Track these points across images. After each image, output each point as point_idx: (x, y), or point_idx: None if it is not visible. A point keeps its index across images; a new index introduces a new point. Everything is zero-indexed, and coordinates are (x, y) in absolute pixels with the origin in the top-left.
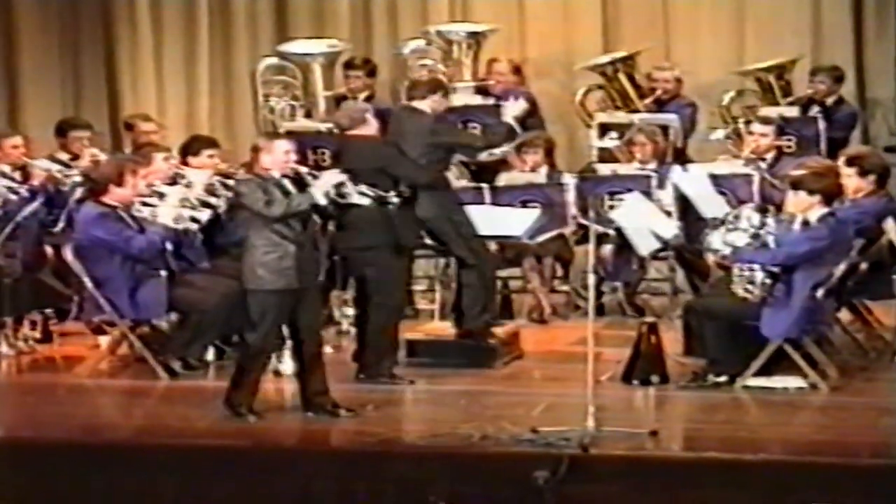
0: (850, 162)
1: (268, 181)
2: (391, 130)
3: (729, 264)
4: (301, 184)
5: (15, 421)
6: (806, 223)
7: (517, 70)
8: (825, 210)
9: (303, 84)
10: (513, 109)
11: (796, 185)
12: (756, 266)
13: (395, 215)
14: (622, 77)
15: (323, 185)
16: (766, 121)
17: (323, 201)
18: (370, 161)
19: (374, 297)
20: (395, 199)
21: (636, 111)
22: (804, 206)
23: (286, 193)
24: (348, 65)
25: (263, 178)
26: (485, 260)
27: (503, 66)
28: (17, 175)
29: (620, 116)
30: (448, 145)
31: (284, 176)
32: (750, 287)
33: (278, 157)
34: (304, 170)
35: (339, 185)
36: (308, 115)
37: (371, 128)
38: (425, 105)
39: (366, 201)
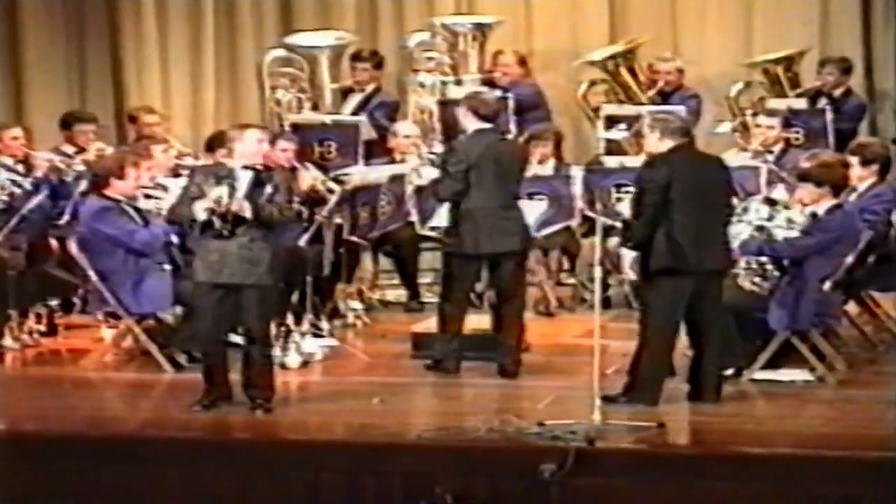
0: (853, 151)
1: (216, 176)
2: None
3: (736, 257)
4: (262, 180)
5: (19, 414)
6: (814, 215)
7: (522, 62)
8: (833, 202)
9: (309, 76)
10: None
11: (804, 177)
12: (764, 259)
13: None
14: (623, 70)
15: (205, 202)
16: (771, 113)
17: (202, 216)
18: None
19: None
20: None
21: (640, 103)
22: (812, 199)
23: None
24: (356, 57)
25: (217, 172)
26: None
27: (509, 57)
28: (20, 167)
29: (628, 108)
30: None
31: (251, 168)
32: (757, 280)
33: (249, 148)
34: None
35: (217, 202)
36: (315, 107)
37: None
38: None
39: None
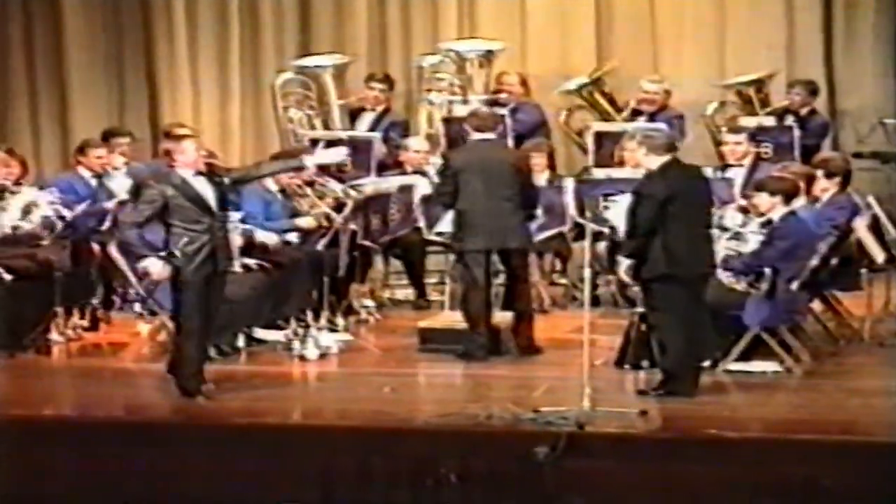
0: (817, 165)
1: (172, 184)
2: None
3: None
4: (215, 180)
5: (65, 401)
6: (769, 222)
7: (524, 83)
8: (786, 210)
9: (318, 95)
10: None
11: (759, 187)
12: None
13: None
14: (598, 96)
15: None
16: (735, 130)
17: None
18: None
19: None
20: None
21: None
22: (766, 207)
23: (192, 199)
24: (371, 78)
25: (170, 180)
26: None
27: (513, 78)
28: (93, 182)
29: (615, 125)
30: None
31: (199, 173)
32: (738, 278)
33: (190, 156)
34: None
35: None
36: (325, 124)
37: None
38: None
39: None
